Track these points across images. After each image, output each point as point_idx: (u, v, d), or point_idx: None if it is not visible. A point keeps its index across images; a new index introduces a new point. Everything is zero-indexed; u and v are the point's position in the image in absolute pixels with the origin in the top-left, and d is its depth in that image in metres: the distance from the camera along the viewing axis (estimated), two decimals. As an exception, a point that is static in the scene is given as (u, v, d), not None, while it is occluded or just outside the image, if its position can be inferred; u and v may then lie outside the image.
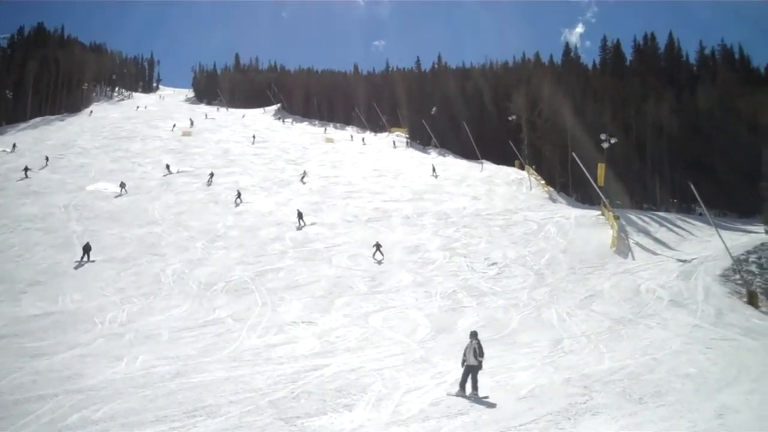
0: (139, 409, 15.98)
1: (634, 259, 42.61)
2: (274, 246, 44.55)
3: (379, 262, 39.34)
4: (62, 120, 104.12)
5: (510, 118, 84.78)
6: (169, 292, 34.91)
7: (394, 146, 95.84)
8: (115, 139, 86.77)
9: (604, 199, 53.86)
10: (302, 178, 65.63)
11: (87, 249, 40.83)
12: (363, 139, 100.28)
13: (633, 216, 55.54)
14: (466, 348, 17.97)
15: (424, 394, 17.58)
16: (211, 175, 65.64)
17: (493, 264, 40.30)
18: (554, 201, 63.67)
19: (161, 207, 54.35)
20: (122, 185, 59.69)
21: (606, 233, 47.59)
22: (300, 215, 50.39)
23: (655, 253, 44.10)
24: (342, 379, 19.21)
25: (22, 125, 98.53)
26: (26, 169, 63.80)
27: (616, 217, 50.30)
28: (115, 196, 55.19)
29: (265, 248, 44.06)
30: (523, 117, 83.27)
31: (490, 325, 28.30)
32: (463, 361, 17.83)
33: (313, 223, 49.76)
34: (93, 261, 40.01)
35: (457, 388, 17.72)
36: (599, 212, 53.90)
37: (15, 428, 14.27)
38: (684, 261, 40.84)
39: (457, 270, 39.13)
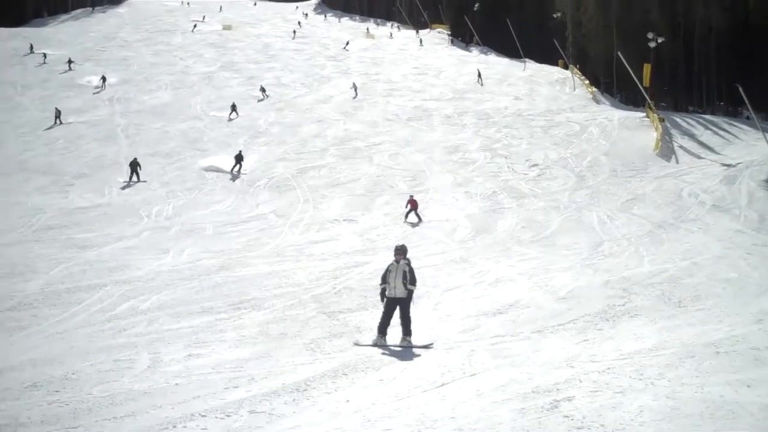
0: (186, 300, 16.42)
1: (677, 162, 42.08)
2: (315, 143, 44.70)
3: (413, 225, 28.85)
4: (103, 12, 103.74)
5: (555, 16, 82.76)
6: (213, 187, 35.42)
7: (421, 44, 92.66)
8: (156, 32, 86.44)
9: (650, 101, 52.88)
10: (354, 89, 58.59)
11: (134, 166, 36.34)
12: (391, 34, 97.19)
13: (678, 118, 54.52)
14: (387, 272, 12.90)
15: (463, 293, 17.82)
16: (233, 108, 51.31)
17: (534, 165, 40.13)
18: (598, 102, 62.70)
19: (203, 102, 54.51)
20: (102, 79, 58.05)
21: (650, 136, 46.89)
22: (239, 159, 38.78)
23: (699, 157, 43.43)
24: (383, 276, 19.50)
25: (64, 17, 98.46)
26: (70, 62, 64.03)
27: (661, 120, 49.43)
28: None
29: (306, 145, 44.23)
30: (569, 14, 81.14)
31: (530, 226, 28.39)
32: (384, 291, 12.90)
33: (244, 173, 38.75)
34: (144, 181, 36.00)
35: (375, 336, 12.83)
36: (644, 114, 53.02)
37: (67, 315, 14.78)
38: (728, 165, 40.17)
39: (497, 171, 39.07)
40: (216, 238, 25.32)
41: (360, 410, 8.75)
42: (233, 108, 51.18)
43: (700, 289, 17.34)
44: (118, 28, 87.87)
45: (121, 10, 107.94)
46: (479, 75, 67.31)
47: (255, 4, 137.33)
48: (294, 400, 9.39)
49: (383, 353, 12.01)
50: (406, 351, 12.23)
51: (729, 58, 71.51)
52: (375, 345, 12.52)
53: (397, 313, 12.71)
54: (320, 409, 9.00)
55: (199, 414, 8.76)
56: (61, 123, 47.78)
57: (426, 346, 12.52)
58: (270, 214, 30.17)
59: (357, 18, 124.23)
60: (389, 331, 12.69)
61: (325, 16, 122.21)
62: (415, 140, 45.70)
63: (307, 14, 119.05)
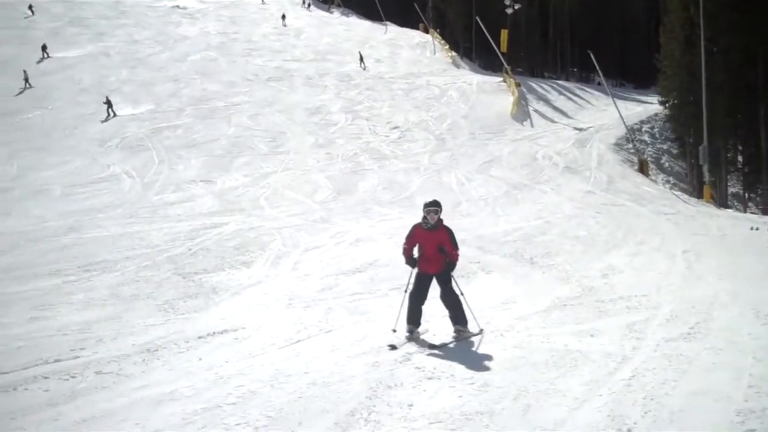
0: (33, 262, 15.62)
1: (532, 126, 43.36)
2: (171, 102, 43.34)
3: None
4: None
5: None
6: (61, 147, 33.80)
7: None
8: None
9: (506, 66, 54.12)
10: None
11: None
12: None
13: (533, 84, 56.17)
14: None
15: (323, 252, 17.70)
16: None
17: (395, 128, 40.40)
18: (457, 66, 63.58)
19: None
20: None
21: (507, 100, 48.07)
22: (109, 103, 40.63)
23: (553, 121, 44.95)
24: (241, 237, 19.12)
25: None
26: None
27: (517, 84, 50.78)
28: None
29: (161, 105, 42.82)
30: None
31: (391, 187, 28.57)
32: None
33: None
34: None
35: None
36: (501, 79, 54.24)
37: None
38: (580, 129, 41.79)
39: (359, 133, 39.09)
40: (64, 199, 24.22)
41: (212, 368, 8.57)
42: (108, 103, 41.35)
43: (551, 246, 17.89)
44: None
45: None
46: (361, 59, 58.84)
47: None
48: (144, 360, 9.09)
49: (238, 315, 11.76)
50: (260, 307, 12.00)
51: (582, 27, 74.30)
52: None
53: None
54: (171, 368, 8.74)
55: (42, 376, 8.36)
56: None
57: None
58: (122, 174, 29.11)
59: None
60: None
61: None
62: (276, 101, 45.10)
63: None
